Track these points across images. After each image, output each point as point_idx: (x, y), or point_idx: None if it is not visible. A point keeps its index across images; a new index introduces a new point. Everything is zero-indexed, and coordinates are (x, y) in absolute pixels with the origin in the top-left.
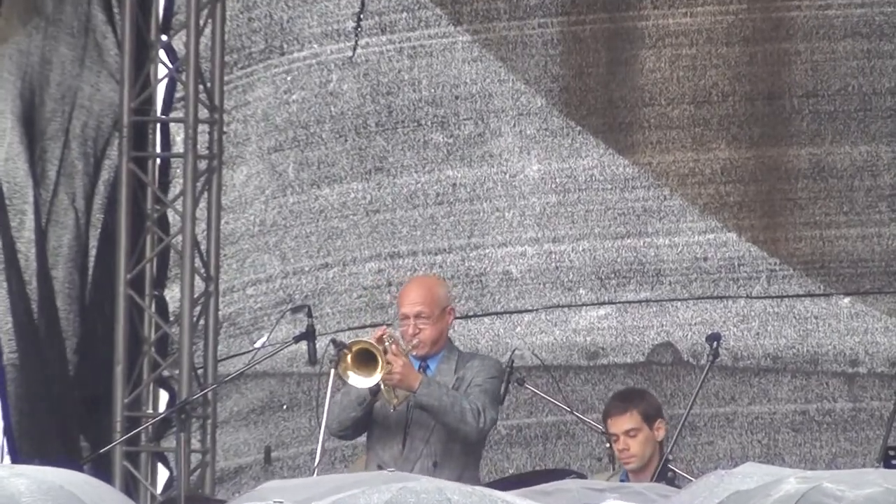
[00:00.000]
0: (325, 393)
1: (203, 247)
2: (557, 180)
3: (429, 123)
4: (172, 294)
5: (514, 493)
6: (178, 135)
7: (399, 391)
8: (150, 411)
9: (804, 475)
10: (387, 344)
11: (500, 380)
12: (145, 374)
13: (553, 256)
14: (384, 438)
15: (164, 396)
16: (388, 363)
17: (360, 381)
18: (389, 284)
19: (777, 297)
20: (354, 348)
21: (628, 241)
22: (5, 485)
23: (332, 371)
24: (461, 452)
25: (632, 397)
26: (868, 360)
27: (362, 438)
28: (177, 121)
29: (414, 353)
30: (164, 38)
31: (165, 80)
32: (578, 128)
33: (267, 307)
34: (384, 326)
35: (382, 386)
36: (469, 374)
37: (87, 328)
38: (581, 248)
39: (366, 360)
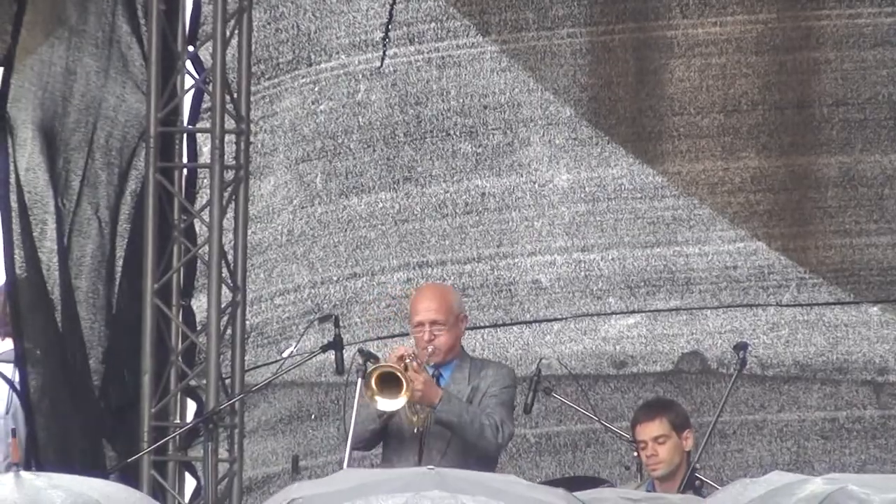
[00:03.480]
0: (352, 402)
1: (230, 257)
2: (586, 189)
3: (457, 133)
4: (199, 304)
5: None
6: (204, 145)
7: (420, 411)
8: (178, 421)
9: (832, 477)
10: (407, 361)
11: (515, 388)
12: (172, 384)
13: (582, 265)
14: (400, 451)
15: (191, 406)
16: (411, 381)
17: (388, 405)
18: None
19: (806, 305)
20: (377, 373)
21: (658, 249)
22: (42, 497)
23: (360, 380)
24: (477, 465)
25: (661, 405)
26: None
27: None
28: (203, 131)
29: (429, 362)
30: (190, 48)
31: (192, 91)
32: (607, 137)
33: (294, 317)
34: (403, 346)
35: (406, 405)
36: (483, 383)
37: (114, 338)
38: (610, 257)
39: (389, 381)
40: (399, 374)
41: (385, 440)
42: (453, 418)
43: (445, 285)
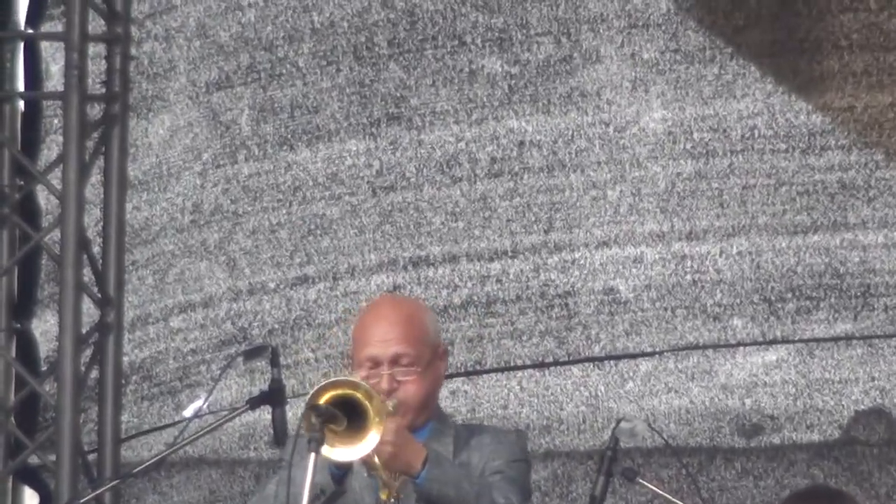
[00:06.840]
0: (303, 488)
1: (97, 249)
2: (695, 137)
3: (478, 42)
4: (46, 328)
5: None
6: (54, 62)
7: (394, 480)
8: None
9: None
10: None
11: (528, 464)
12: (0, 462)
13: (688, 264)
14: None
15: (31, 497)
16: (380, 413)
17: (339, 453)
18: None
19: None
20: (324, 396)
21: (815, 238)
22: None
23: (314, 457)
24: None
25: (822, 499)
26: None
27: None
28: (52, 37)
29: None
30: None
31: None
32: (730, 49)
33: (205, 349)
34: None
35: (371, 469)
36: (478, 457)
37: None
38: (735, 251)
39: (343, 415)
40: (361, 396)
41: None
42: (449, 491)
43: (412, 300)
